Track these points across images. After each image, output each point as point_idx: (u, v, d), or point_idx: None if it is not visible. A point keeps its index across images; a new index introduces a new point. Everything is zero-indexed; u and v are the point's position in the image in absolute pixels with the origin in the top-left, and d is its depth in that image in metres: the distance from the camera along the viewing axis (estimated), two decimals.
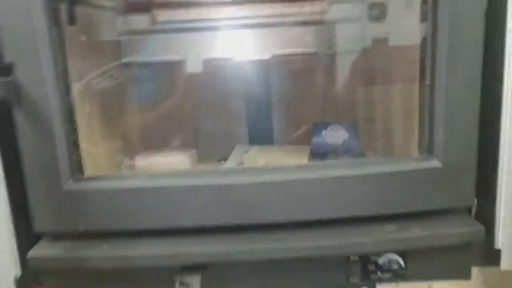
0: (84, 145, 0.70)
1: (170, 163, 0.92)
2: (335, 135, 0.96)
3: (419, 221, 0.64)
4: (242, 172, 0.71)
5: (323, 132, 0.97)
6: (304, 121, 1.00)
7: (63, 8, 0.69)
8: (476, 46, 0.59)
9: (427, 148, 0.63)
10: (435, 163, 0.62)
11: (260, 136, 1.02)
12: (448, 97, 0.60)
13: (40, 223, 0.64)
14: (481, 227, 0.63)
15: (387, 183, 0.63)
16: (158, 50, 0.97)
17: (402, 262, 0.65)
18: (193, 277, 0.63)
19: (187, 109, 1.02)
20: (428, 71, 0.62)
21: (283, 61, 0.98)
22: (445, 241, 0.62)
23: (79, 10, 0.77)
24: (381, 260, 0.65)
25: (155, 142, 0.98)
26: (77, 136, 0.67)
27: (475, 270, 0.74)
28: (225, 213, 0.63)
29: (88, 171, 0.69)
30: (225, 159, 0.90)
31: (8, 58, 0.59)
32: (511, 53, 0.59)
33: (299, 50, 0.98)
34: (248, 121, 1.03)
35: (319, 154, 0.94)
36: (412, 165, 0.63)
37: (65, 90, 0.64)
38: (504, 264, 0.67)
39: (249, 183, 0.63)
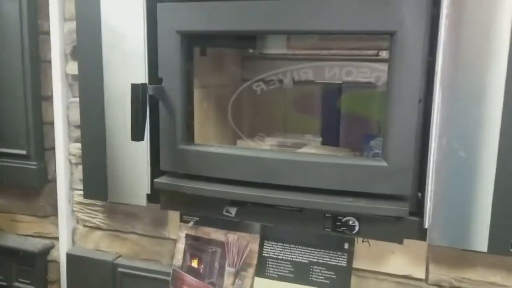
0: (198, 126, 1.24)
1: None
2: (378, 144, 1.34)
3: (371, 200, 1.01)
4: (278, 153, 1.16)
5: (371, 142, 1.36)
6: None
7: (196, 49, 1.23)
8: None
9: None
10: (381, 162, 1.00)
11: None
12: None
13: (164, 165, 1.19)
14: (404, 209, 0.98)
15: (353, 172, 1.02)
16: (264, 71, 1.47)
17: (357, 223, 1.03)
18: (233, 208, 1.11)
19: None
20: None
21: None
22: (378, 212, 0.99)
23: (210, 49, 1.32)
24: (344, 219, 1.04)
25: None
26: (192, 120, 1.21)
27: (425, 247, 1.07)
28: (260, 174, 1.09)
29: (198, 140, 1.22)
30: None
31: (160, 75, 1.14)
32: None
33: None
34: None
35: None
36: (366, 162, 1.02)
37: (188, 94, 1.18)
38: (429, 240, 1.00)
39: (277, 158, 1.08)
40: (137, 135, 1.11)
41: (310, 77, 1.38)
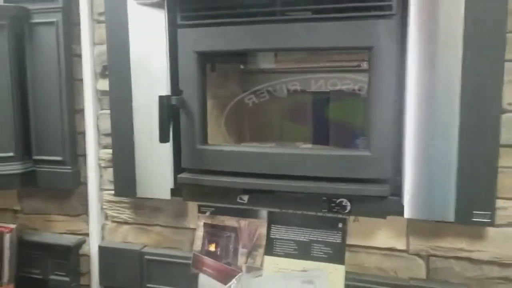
0: (210, 129, 1.47)
1: None
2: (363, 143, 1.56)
3: (360, 184, 1.25)
4: (281, 148, 1.38)
5: (357, 141, 1.59)
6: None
7: (208, 66, 1.46)
8: None
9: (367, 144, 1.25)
10: (366, 153, 1.23)
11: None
12: None
13: (185, 163, 1.41)
14: (386, 189, 1.21)
15: (343, 161, 1.25)
16: (261, 83, 1.70)
17: (348, 203, 1.26)
18: (245, 196, 1.33)
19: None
20: None
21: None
22: (365, 193, 1.22)
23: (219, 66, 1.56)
24: (338, 201, 1.27)
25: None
26: (206, 125, 1.43)
27: (405, 222, 1.30)
28: (267, 166, 1.32)
29: (211, 141, 1.45)
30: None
31: (180, 87, 1.37)
32: None
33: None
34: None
35: None
36: (354, 153, 1.25)
37: (203, 103, 1.41)
38: (407, 215, 1.23)
39: (281, 152, 1.31)
40: (164, 138, 1.35)
41: (302, 87, 1.62)
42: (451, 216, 1.20)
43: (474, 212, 1.19)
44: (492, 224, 1.20)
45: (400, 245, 1.32)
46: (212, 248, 1.48)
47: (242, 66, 1.69)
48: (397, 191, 1.26)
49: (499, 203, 1.21)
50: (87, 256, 1.69)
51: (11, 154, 1.59)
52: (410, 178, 1.22)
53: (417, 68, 1.18)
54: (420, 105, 1.19)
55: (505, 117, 1.17)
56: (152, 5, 1.38)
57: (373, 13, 1.17)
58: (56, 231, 1.73)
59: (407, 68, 1.18)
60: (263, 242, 1.43)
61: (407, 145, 1.21)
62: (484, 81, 1.14)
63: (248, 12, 1.28)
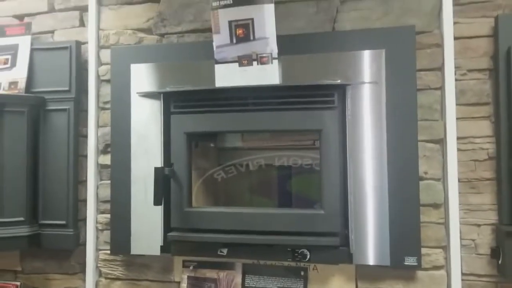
0: (194, 194, 1.78)
1: None
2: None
3: (316, 237, 1.57)
4: (253, 208, 1.70)
5: (314, 206, 1.92)
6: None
7: (193, 143, 1.81)
8: None
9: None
10: (320, 211, 1.57)
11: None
12: None
13: (174, 223, 1.71)
14: (337, 241, 1.53)
15: (303, 219, 1.58)
16: (236, 158, 2.03)
17: (308, 253, 1.57)
18: (225, 249, 1.63)
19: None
20: None
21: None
22: (321, 243, 1.54)
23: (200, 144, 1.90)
24: (300, 251, 1.58)
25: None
26: (191, 191, 1.75)
27: (353, 269, 1.61)
28: (242, 224, 1.63)
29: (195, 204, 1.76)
30: None
31: (172, 160, 1.71)
32: None
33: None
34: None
35: None
36: (311, 212, 1.59)
37: (189, 173, 1.74)
38: (354, 261, 1.55)
39: (254, 212, 1.63)
40: (157, 201, 1.65)
41: (267, 162, 1.97)
42: (387, 261, 1.52)
43: (405, 257, 1.51)
44: (419, 267, 1.52)
45: None
46: None
47: (213, 145, 2.01)
48: (346, 242, 1.58)
49: (424, 250, 1.54)
50: None
51: (21, 218, 1.85)
52: (355, 231, 1.55)
53: (353, 144, 1.55)
54: (355, 174, 1.56)
55: (422, 183, 1.54)
56: (150, 96, 1.75)
57: (321, 105, 1.57)
58: None
59: (347, 145, 1.56)
60: None
61: (351, 205, 1.56)
62: (404, 156, 1.53)
63: (226, 103, 1.66)
